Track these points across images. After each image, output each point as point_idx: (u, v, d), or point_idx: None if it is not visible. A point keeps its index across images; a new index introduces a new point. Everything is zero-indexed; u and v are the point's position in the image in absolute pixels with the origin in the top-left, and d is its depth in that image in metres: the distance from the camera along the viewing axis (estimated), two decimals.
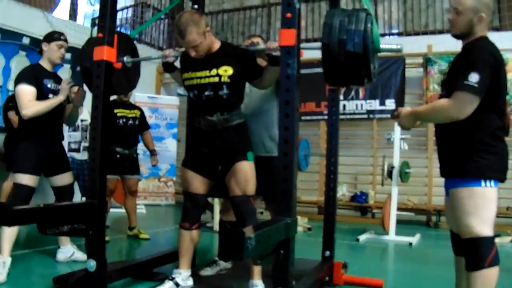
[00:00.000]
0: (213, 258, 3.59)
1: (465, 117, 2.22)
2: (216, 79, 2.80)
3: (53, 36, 3.60)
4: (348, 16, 2.30)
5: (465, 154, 2.31)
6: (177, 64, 3.06)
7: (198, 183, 2.95)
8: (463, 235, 2.31)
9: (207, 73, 2.82)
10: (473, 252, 2.24)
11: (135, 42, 3.47)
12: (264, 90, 3.14)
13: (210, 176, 2.96)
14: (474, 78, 2.17)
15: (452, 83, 2.29)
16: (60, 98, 3.49)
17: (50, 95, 3.52)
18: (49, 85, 3.54)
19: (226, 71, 2.80)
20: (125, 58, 3.07)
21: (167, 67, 3.04)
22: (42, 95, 3.46)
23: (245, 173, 2.83)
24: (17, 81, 3.44)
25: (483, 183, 2.26)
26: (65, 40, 3.64)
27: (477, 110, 2.21)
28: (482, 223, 2.24)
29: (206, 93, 2.83)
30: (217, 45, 2.89)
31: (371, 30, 2.30)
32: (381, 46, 2.40)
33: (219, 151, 2.87)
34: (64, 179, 3.69)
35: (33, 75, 3.47)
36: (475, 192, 2.26)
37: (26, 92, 3.38)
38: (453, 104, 2.23)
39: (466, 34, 2.37)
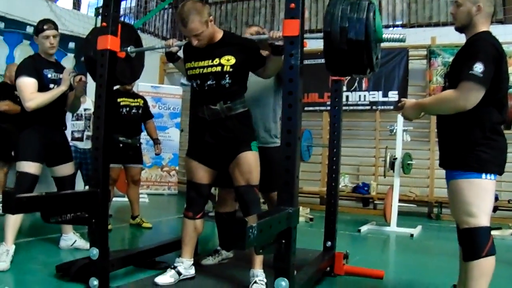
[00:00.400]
0: (215, 248, 3.61)
1: (471, 107, 2.22)
2: (219, 68, 2.80)
3: (38, 28, 3.53)
4: (350, 5, 2.29)
5: (466, 147, 2.32)
6: (181, 54, 3.06)
7: (202, 173, 2.96)
8: (461, 225, 2.33)
9: (209, 62, 2.82)
10: (471, 242, 2.27)
11: (138, 31, 3.46)
12: (263, 82, 3.13)
13: (213, 166, 2.96)
14: (479, 68, 2.17)
15: (455, 75, 2.30)
16: (62, 88, 3.49)
17: (51, 85, 3.52)
18: (49, 75, 3.53)
19: (229, 61, 2.80)
20: (129, 48, 3.08)
21: (171, 56, 3.05)
22: (43, 85, 3.46)
23: (249, 163, 2.84)
24: (17, 74, 3.43)
25: (483, 176, 2.28)
26: (52, 28, 3.52)
27: (478, 103, 2.22)
28: (480, 214, 2.26)
29: (209, 82, 2.83)
30: (219, 34, 2.89)
31: (373, 19, 2.29)
32: (384, 35, 2.40)
33: (223, 141, 2.87)
34: (65, 169, 3.70)
35: (33, 66, 3.46)
36: (475, 184, 2.28)
37: (28, 85, 3.38)
38: (460, 94, 2.23)
39: (466, 26, 2.39)
